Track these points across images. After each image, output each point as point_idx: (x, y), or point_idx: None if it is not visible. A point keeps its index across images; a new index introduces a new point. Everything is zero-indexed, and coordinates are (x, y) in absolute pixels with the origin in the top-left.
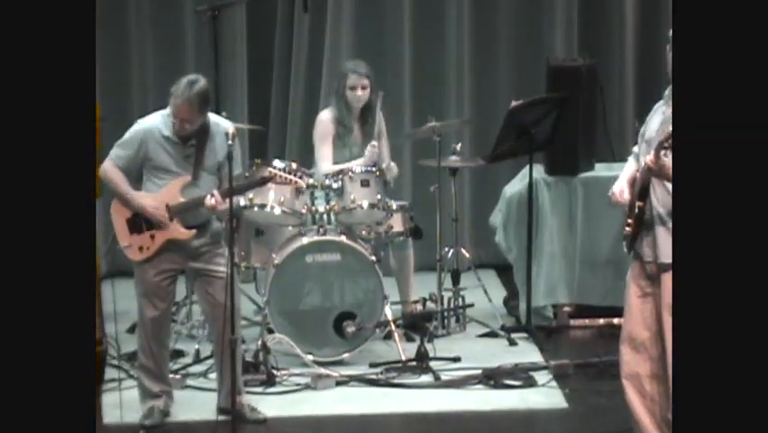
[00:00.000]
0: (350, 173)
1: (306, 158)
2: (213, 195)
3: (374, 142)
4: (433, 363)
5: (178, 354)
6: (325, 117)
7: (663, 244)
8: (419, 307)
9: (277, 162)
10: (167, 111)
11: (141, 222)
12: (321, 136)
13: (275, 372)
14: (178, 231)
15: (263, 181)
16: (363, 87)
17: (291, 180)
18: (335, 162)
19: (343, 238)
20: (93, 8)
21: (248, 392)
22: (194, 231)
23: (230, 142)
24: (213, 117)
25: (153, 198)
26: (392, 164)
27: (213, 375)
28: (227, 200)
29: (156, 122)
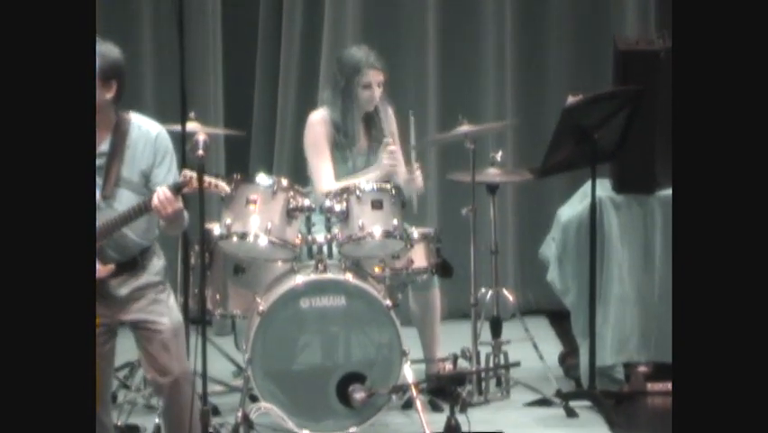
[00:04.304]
0: (357, 192)
1: (301, 171)
2: (161, 191)
3: (389, 142)
4: None
5: (132, 430)
6: (319, 119)
7: None
8: (448, 366)
9: (261, 177)
10: None
11: None
12: (315, 144)
13: None
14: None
15: (176, 190)
16: (380, 85)
17: (214, 186)
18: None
19: (349, 277)
20: (93, 7)
21: None
22: (111, 266)
23: (200, 151)
24: (135, 118)
25: None
26: (417, 174)
27: None
28: (180, 198)
29: None
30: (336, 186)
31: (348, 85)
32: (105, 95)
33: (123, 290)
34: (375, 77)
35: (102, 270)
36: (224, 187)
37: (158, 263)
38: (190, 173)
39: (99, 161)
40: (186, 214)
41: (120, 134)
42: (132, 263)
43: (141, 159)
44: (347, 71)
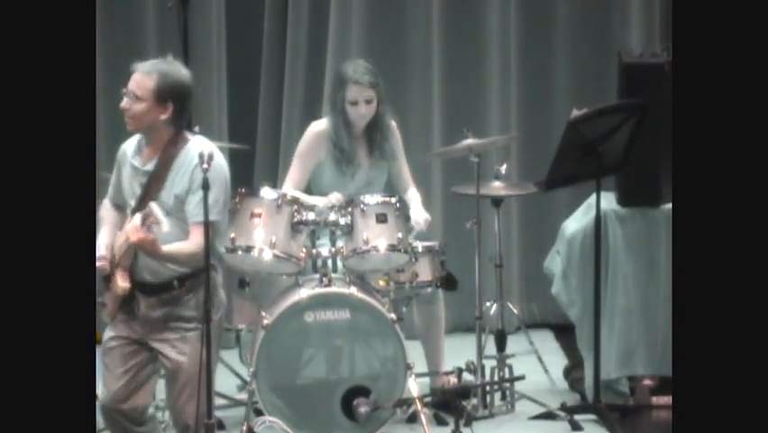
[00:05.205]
0: (361, 205)
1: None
2: (135, 218)
3: (337, 195)
4: None
5: None
6: (315, 131)
7: None
8: (453, 379)
9: (266, 191)
10: None
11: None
12: (298, 152)
13: None
14: (117, 285)
15: (142, 219)
16: (368, 101)
17: (152, 220)
18: (330, 191)
19: (354, 290)
20: (93, 8)
21: None
22: (127, 285)
23: (205, 165)
24: (193, 142)
25: (107, 243)
26: (423, 216)
27: None
28: (151, 228)
29: (131, 141)
30: (288, 193)
31: (336, 100)
32: (160, 115)
33: (155, 313)
34: (360, 93)
35: (123, 287)
36: (163, 225)
37: (196, 297)
38: (154, 206)
39: (143, 179)
40: (179, 253)
41: (168, 156)
42: (165, 288)
43: (179, 184)
44: (336, 86)
